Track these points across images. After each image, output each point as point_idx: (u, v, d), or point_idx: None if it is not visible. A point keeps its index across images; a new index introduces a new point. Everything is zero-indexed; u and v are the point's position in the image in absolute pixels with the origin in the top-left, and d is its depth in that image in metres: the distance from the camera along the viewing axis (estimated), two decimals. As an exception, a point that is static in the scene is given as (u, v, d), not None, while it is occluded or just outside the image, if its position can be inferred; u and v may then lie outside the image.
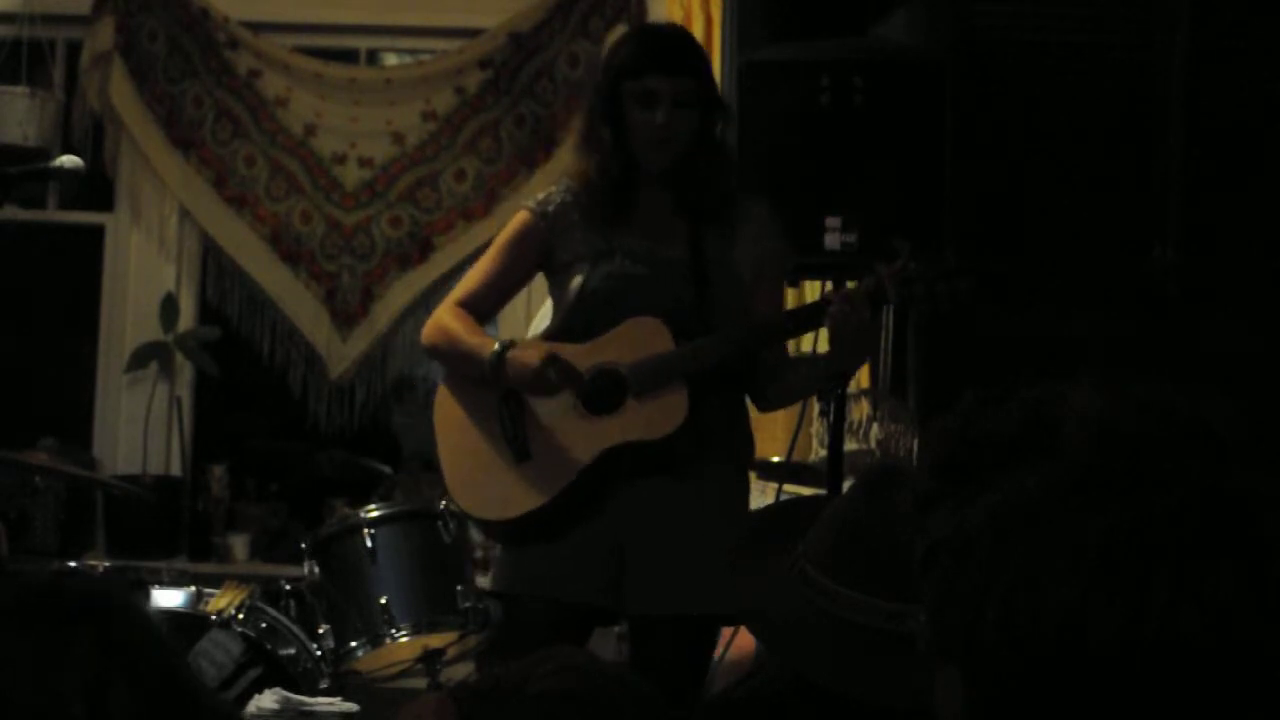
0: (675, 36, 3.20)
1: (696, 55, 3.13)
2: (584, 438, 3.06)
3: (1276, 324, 3.54)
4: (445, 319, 3.19)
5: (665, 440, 3.01)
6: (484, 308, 3.22)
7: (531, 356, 3.03)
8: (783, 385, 3.15)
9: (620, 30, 5.34)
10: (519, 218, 3.20)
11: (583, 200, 3.13)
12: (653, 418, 3.02)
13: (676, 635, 3.02)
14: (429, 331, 3.23)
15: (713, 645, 3.17)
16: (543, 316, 3.53)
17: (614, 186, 3.09)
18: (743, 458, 3.18)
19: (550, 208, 3.16)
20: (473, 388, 3.16)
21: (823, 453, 3.66)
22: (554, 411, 3.09)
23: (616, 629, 4.05)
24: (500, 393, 3.12)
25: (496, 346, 3.08)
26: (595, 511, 3.06)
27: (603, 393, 3.06)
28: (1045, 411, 0.97)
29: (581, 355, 3.07)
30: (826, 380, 3.18)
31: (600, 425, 3.06)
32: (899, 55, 3.45)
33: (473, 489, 3.18)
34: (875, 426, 3.85)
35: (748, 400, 3.21)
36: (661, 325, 3.03)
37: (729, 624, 3.18)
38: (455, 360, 3.19)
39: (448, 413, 3.22)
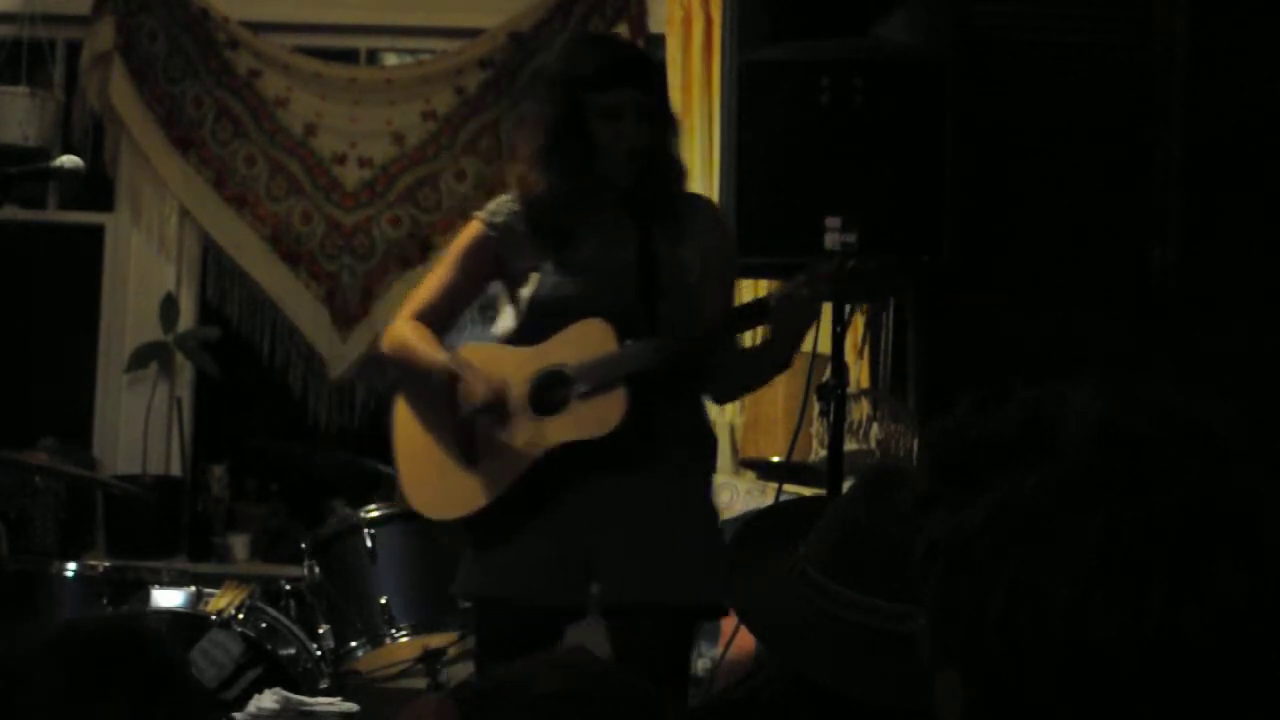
0: (635, 49, 3.22)
1: (656, 67, 3.19)
2: (529, 439, 3.11)
3: (1276, 324, 3.54)
4: (403, 331, 3.25)
5: (604, 440, 3.04)
6: (440, 318, 3.26)
7: (477, 387, 3.08)
8: (731, 379, 3.19)
9: (622, 30, 5.35)
10: (470, 228, 3.25)
11: (532, 212, 3.16)
12: (592, 418, 3.06)
13: (651, 628, 3.02)
14: (387, 343, 3.29)
15: (690, 638, 3.19)
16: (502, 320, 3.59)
17: (572, 199, 3.12)
18: (700, 453, 3.21)
19: (499, 219, 3.20)
20: (440, 390, 3.21)
21: (823, 453, 3.66)
22: (507, 413, 3.14)
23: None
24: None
25: (445, 365, 3.13)
26: (555, 512, 3.09)
27: (549, 394, 3.11)
28: (1044, 412, 0.97)
29: (531, 357, 3.13)
30: (774, 370, 3.21)
31: (545, 426, 3.10)
32: (899, 55, 3.45)
33: (424, 489, 3.25)
34: (875, 426, 3.85)
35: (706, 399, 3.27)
36: (607, 326, 3.07)
37: (704, 616, 3.21)
38: (410, 375, 3.25)
39: (406, 415, 3.29)
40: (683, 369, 3.09)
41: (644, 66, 3.15)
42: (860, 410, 3.90)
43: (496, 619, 3.17)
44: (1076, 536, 0.91)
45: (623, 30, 5.35)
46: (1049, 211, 3.63)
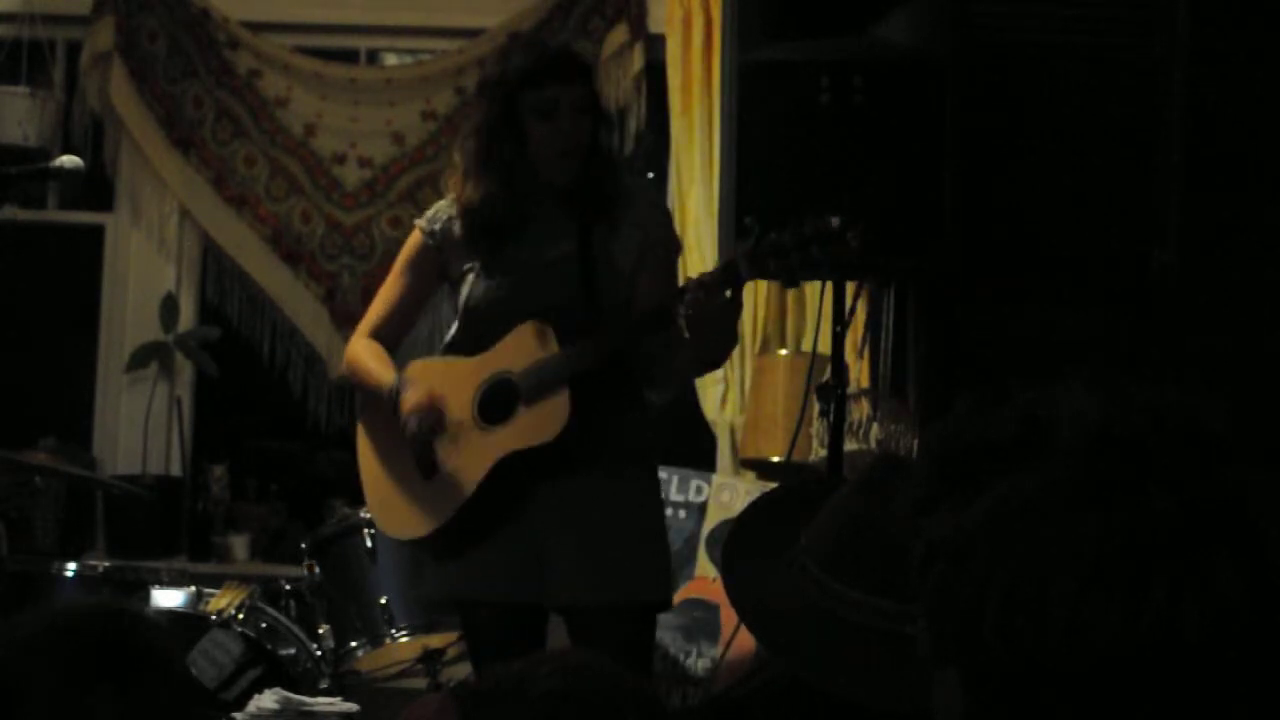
0: (564, 47, 3.29)
1: (585, 64, 3.23)
2: (480, 451, 3.13)
3: (1276, 324, 3.54)
4: (355, 350, 3.31)
5: (552, 444, 3.05)
6: (393, 331, 3.30)
7: (415, 397, 3.12)
8: (665, 372, 3.18)
9: (622, 30, 5.35)
10: (412, 238, 3.27)
11: (469, 218, 3.15)
12: (538, 423, 3.07)
13: (607, 626, 3.04)
14: (345, 363, 3.37)
15: (648, 633, 3.19)
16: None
17: (510, 202, 3.12)
18: (643, 453, 3.21)
19: (437, 225, 3.21)
20: (390, 410, 3.24)
21: (823, 453, 3.66)
22: (457, 426, 3.15)
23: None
24: None
25: (392, 385, 3.17)
26: (512, 514, 3.11)
27: (497, 403, 3.12)
28: (1042, 414, 0.97)
29: (477, 367, 3.14)
30: (701, 367, 3.24)
31: (494, 436, 3.11)
32: (899, 55, 3.45)
33: (388, 509, 3.28)
34: (875, 426, 3.85)
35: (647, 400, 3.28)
36: (546, 328, 3.08)
37: (653, 611, 3.19)
38: (365, 396, 3.31)
39: (366, 437, 3.35)
40: (622, 368, 3.10)
41: (574, 63, 3.17)
42: (860, 410, 3.90)
43: (476, 618, 3.21)
44: (1075, 537, 0.92)
45: (622, 30, 5.36)
46: (1049, 212, 3.63)
